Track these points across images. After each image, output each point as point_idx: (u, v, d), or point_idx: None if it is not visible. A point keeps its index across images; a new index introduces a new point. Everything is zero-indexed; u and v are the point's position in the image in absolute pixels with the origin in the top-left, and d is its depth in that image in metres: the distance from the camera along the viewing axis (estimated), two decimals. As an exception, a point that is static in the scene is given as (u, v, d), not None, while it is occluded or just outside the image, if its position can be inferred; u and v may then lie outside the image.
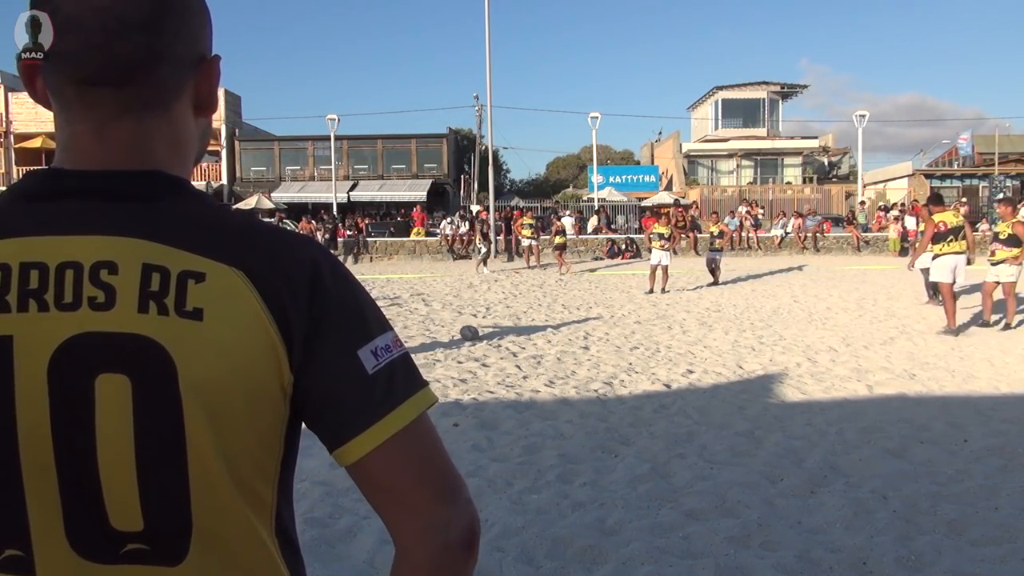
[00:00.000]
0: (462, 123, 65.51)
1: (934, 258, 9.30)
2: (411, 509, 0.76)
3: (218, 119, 34.80)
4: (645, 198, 34.33)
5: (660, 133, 46.76)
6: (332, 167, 34.32)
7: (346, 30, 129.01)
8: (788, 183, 38.99)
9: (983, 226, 24.81)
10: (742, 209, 27.14)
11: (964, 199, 29.99)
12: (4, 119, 35.61)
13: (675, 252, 16.93)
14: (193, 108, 0.82)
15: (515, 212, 26.82)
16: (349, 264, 22.40)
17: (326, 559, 3.23)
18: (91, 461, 0.71)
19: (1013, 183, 33.49)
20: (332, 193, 33.38)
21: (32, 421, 0.71)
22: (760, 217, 27.84)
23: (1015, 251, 9.20)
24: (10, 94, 35.10)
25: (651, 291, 13.90)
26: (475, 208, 28.68)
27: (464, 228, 24.90)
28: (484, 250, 20.47)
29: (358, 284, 0.82)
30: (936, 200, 9.89)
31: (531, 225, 21.48)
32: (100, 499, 0.72)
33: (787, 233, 25.39)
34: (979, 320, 9.52)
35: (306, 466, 4.18)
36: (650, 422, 5.33)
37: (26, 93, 0.81)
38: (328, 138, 34.18)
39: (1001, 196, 19.86)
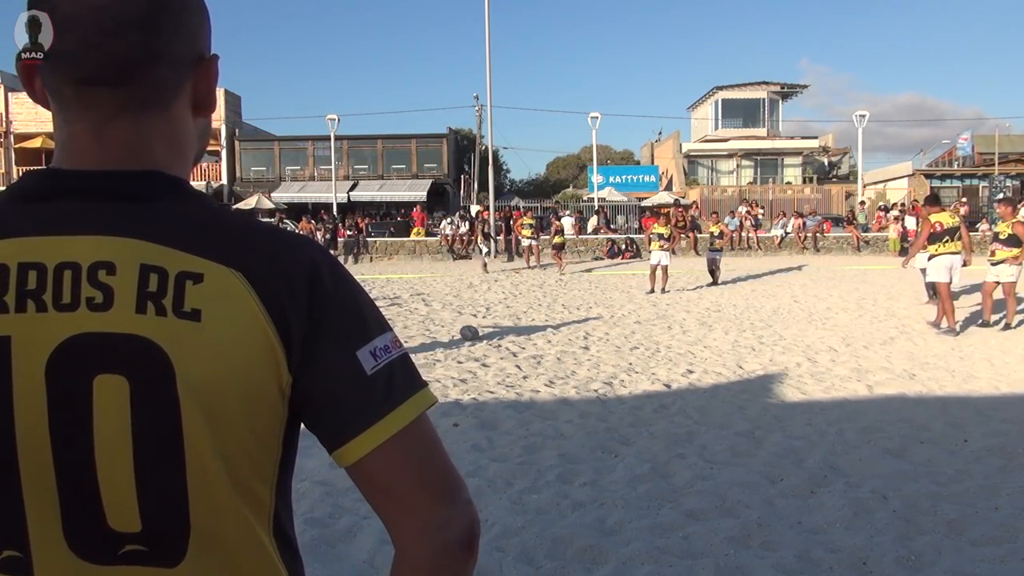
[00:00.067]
0: (462, 123, 65.57)
1: (930, 258, 9.32)
2: (411, 509, 0.76)
3: (218, 119, 34.79)
4: (645, 198, 34.34)
5: (660, 133, 46.82)
6: (332, 167, 34.32)
7: (346, 30, 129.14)
8: (788, 183, 39.00)
9: (983, 226, 24.82)
10: (742, 209, 27.13)
11: (964, 199, 30.01)
12: (4, 119, 35.61)
13: (674, 252, 16.92)
14: (192, 108, 0.82)
15: (515, 212, 26.81)
16: (349, 264, 22.43)
17: (326, 559, 3.23)
18: (89, 462, 0.71)
19: (1013, 183, 33.49)
20: (332, 193, 33.38)
21: (30, 422, 0.71)
22: (760, 217, 27.84)
23: (1015, 251, 9.20)
24: (10, 94, 35.11)
25: (651, 291, 13.91)
26: (475, 208, 28.67)
27: (464, 228, 24.91)
28: (485, 250, 20.50)
29: (357, 285, 0.81)
30: (932, 201, 9.90)
31: (531, 225, 21.49)
32: (98, 500, 0.72)
33: (787, 233, 25.39)
34: (979, 320, 9.53)
35: (306, 466, 4.18)
36: (650, 422, 5.33)
37: (26, 93, 0.81)
38: (328, 138, 34.18)
39: (1001, 196, 19.86)
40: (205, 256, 0.73)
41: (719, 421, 5.33)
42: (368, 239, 26.01)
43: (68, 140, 0.77)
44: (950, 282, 9.04)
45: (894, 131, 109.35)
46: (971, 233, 23.52)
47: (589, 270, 19.88)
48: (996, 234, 9.70)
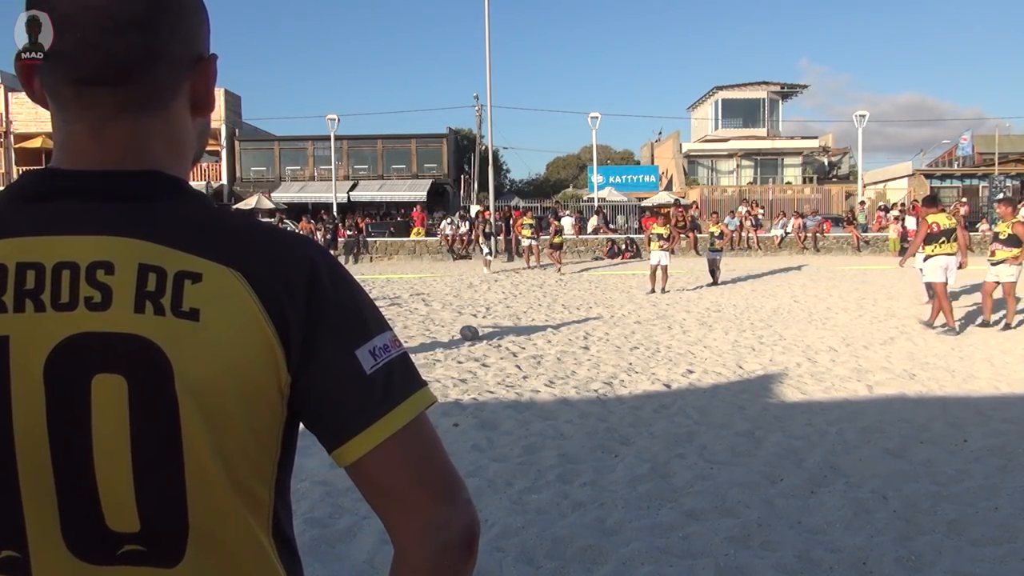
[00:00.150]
0: (462, 123, 65.58)
1: (926, 259, 9.34)
2: (410, 509, 0.76)
3: (218, 119, 34.81)
4: (645, 198, 34.33)
5: (660, 133, 46.82)
6: (332, 167, 34.32)
7: (346, 30, 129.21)
8: (788, 183, 39.00)
9: (983, 226, 24.82)
10: (742, 209, 27.13)
11: (964, 199, 30.01)
12: (4, 119, 35.62)
13: (674, 252, 16.92)
14: (191, 107, 0.82)
15: (515, 212, 26.80)
16: (349, 264, 22.44)
17: (326, 559, 3.22)
18: (87, 462, 0.71)
19: (1013, 183, 33.50)
20: (332, 193, 33.39)
21: (28, 421, 0.71)
22: (760, 217, 27.83)
23: (1015, 251, 9.20)
24: (10, 94, 35.11)
25: (652, 291, 13.91)
26: (475, 208, 28.66)
27: (464, 228, 24.91)
28: (486, 250, 20.53)
29: (357, 284, 0.81)
30: (930, 202, 9.95)
31: (531, 225, 21.50)
32: (96, 500, 0.72)
33: (787, 233, 25.39)
34: (979, 320, 9.53)
35: (306, 466, 4.18)
36: (650, 422, 5.33)
37: (25, 93, 0.81)
38: (328, 138, 34.18)
39: (1001, 196, 19.85)
40: (204, 256, 0.73)
41: (719, 421, 5.33)
42: (368, 239, 26.01)
43: (67, 140, 0.77)
44: (946, 282, 9.07)
45: (894, 131, 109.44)
46: (971, 233, 23.65)
47: (586, 270, 19.88)
48: (996, 234, 9.71)
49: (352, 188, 35.95)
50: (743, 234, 25.04)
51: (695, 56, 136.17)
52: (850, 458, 4.49)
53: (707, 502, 3.82)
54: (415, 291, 14.77)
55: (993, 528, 3.48)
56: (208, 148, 0.89)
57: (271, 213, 30.07)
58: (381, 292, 14.56)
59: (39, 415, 0.71)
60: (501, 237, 24.25)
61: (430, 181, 36.53)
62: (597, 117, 33.96)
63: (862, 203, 29.58)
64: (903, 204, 28.54)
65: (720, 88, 40.77)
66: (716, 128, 40.74)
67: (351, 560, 3.23)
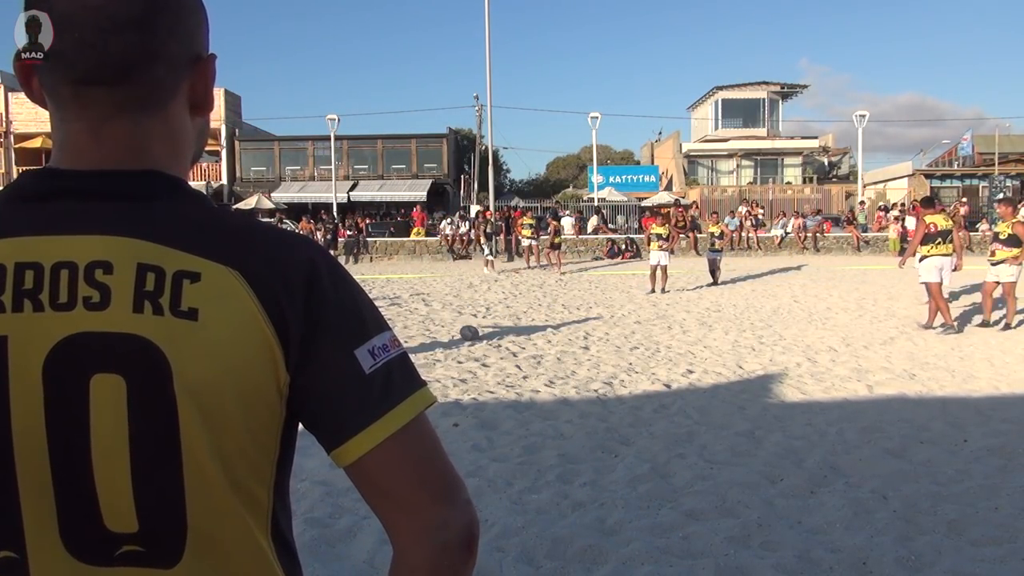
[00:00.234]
0: (462, 123, 65.54)
1: (921, 259, 9.37)
2: (409, 510, 0.76)
3: (218, 119, 34.82)
4: (645, 198, 34.33)
5: (660, 133, 46.82)
6: (332, 167, 34.32)
7: (346, 30, 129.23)
8: (788, 183, 38.99)
9: (983, 226, 24.82)
10: (742, 209, 27.13)
11: (964, 199, 30.00)
12: (4, 119, 35.62)
13: (673, 252, 16.93)
14: (190, 107, 0.82)
15: (515, 212, 26.80)
16: (349, 264, 22.44)
17: (326, 559, 3.22)
18: (86, 462, 0.71)
19: (1013, 183, 33.49)
20: (332, 193, 33.39)
21: (27, 422, 0.71)
22: (760, 217, 27.83)
23: (1015, 251, 9.21)
24: (10, 94, 35.11)
25: (652, 291, 13.92)
26: (475, 209, 28.67)
27: (464, 228, 24.90)
28: (487, 250, 20.54)
29: (356, 284, 0.81)
30: (927, 202, 10.01)
31: (531, 225, 21.49)
32: (95, 500, 0.72)
33: (787, 233, 25.40)
34: (979, 320, 9.53)
35: (306, 466, 4.18)
36: (650, 422, 5.33)
37: (24, 93, 0.81)
38: (328, 138, 34.18)
39: (1001, 196, 19.85)
40: (203, 255, 0.73)
41: (719, 421, 5.33)
42: (368, 239, 26.01)
43: (65, 140, 0.76)
44: (940, 282, 9.13)
45: (894, 131, 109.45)
46: (971, 233, 23.65)
47: (585, 269, 19.89)
48: (996, 234, 9.72)
49: (352, 188, 35.95)
50: (743, 234, 25.04)
51: (695, 56, 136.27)
52: (850, 458, 4.49)
53: (707, 502, 3.82)
54: (415, 291, 14.77)
55: (993, 528, 3.47)
56: (208, 148, 0.88)
57: (271, 213, 30.07)
58: (381, 292, 14.56)
59: (37, 415, 0.71)
60: (501, 237, 24.26)
61: (430, 181, 36.53)
62: (597, 117, 33.98)
63: (862, 203, 29.58)
64: (903, 204, 28.53)
65: (720, 88, 40.77)
66: (716, 128, 40.74)
67: (351, 560, 3.23)
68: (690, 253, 23.60)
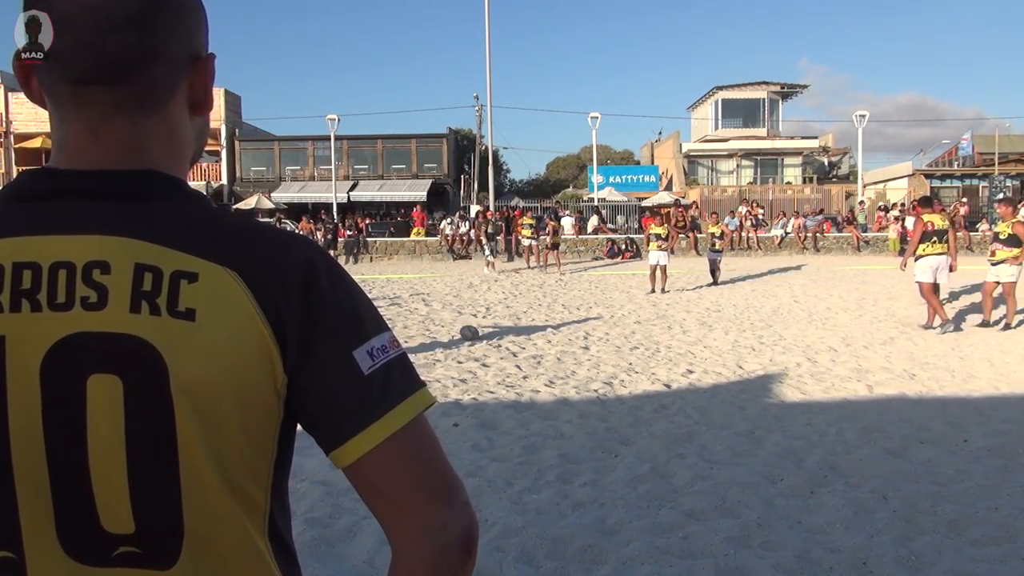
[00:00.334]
0: (462, 123, 65.49)
1: (917, 259, 9.40)
2: (407, 511, 0.75)
3: (218, 119, 34.81)
4: (645, 198, 34.32)
5: (660, 133, 46.78)
6: (332, 167, 34.31)
7: (346, 30, 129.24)
8: (788, 183, 38.98)
9: (983, 226, 24.82)
10: (742, 209, 27.13)
11: (964, 199, 30.00)
12: (4, 119, 35.61)
13: (673, 252, 16.94)
14: (189, 107, 0.82)
15: (515, 212, 26.80)
16: (349, 264, 22.43)
17: (326, 559, 3.22)
18: (82, 462, 0.71)
19: (1013, 183, 33.48)
20: (332, 193, 33.37)
21: (24, 422, 0.71)
22: (761, 216, 27.82)
23: (1015, 251, 9.22)
24: (10, 94, 35.10)
25: (652, 291, 13.92)
26: (475, 209, 28.67)
27: (464, 228, 24.90)
28: (488, 251, 20.56)
29: (355, 284, 0.81)
30: (925, 202, 10.06)
31: (531, 225, 21.49)
32: (91, 501, 0.72)
33: (787, 233, 25.40)
34: (979, 320, 9.53)
35: (306, 466, 4.18)
36: (650, 422, 5.33)
37: (23, 93, 0.81)
38: (328, 138, 34.17)
39: (1001, 196, 19.86)
40: (200, 255, 0.73)
41: (719, 421, 5.33)
42: (368, 239, 26.00)
43: (65, 139, 0.76)
44: (934, 282, 9.22)
45: (894, 131, 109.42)
46: (971, 233, 23.65)
47: (585, 269, 19.88)
48: (996, 234, 9.72)
49: (352, 188, 35.94)
50: (743, 234, 25.04)
51: (695, 56, 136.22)
52: (850, 458, 4.49)
53: (707, 502, 3.81)
54: (415, 291, 14.77)
55: (993, 528, 3.47)
56: (208, 148, 0.88)
57: (271, 213, 30.06)
58: (381, 292, 14.56)
59: (35, 416, 0.71)
60: (501, 237, 24.26)
61: (430, 181, 36.53)
62: (597, 117, 33.96)
63: (862, 203, 29.58)
64: (903, 204, 28.52)
65: (720, 88, 40.75)
66: (716, 128, 40.72)
67: (351, 560, 3.23)
68: (690, 253, 23.59)
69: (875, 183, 39.82)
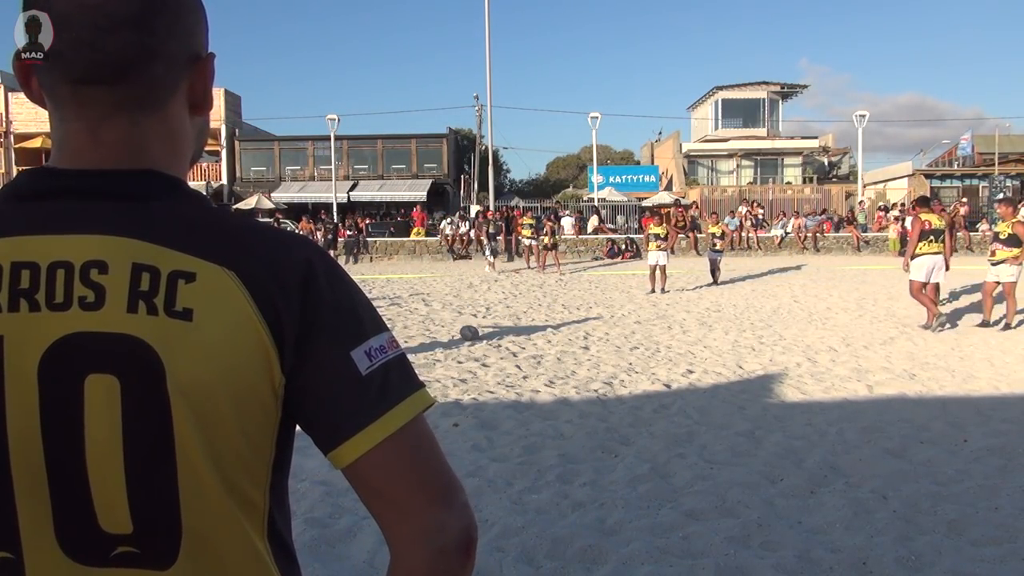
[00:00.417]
0: (462, 123, 65.50)
1: (912, 258, 9.43)
2: (406, 513, 0.75)
3: (218, 119, 34.81)
4: (645, 198, 34.31)
5: (660, 133, 46.77)
6: (332, 167, 34.31)
7: (346, 30, 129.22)
8: (788, 183, 38.97)
9: (983, 226, 24.81)
10: (742, 209, 27.13)
11: (964, 199, 30.00)
12: (4, 119, 35.60)
13: (673, 251, 16.94)
14: (189, 106, 0.82)
15: (515, 212, 26.80)
16: (349, 264, 22.43)
17: (326, 559, 3.22)
18: (80, 463, 0.71)
19: (1013, 183, 33.49)
20: (332, 193, 33.37)
21: (22, 422, 0.71)
22: (761, 216, 27.82)
23: (1015, 251, 9.22)
24: (10, 94, 35.09)
25: (652, 291, 13.92)
26: (475, 209, 28.67)
27: (464, 228, 24.89)
28: (490, 251, 20.58)
29: (354, 284, 0.81)
30: (923, 202, 10.09)
31: (531, 225, 21.50)
32: (89, 501, 0.72)
33: (787, 233, 25.40)
34: (979, 320, 9.53)
35: (306, 466, 4.18)
36: (650, 422, 5.33)
37: (23, 93, 0.81)
38: (328, 138, 34.17)
39: (1001, 196, 19.85)
40: (198, 255, 0.73)
41: (719, 421, 5.33)
42: (368, 239, 26.00)
43: (64, 139, 0.76)
44: (926, 282, 9.30)
45: (894, 131, 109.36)
46: (971, 233, 23.64)
47: (585, 269, 19.88)
48: (996, 234, 9.73)
49: (352, 188, 35.94)
50: (743, 234, 25.04)
51: (695, 56, 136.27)
52: (850, 458, 4.49)
53: (707, 502, 3.81)
54: (415, 291, 14.77)
55: (993, 528, 3.47)
56: (208, 148, 0.88)
57: (271, 213, 30.05)
58: (381, 292, 14.56)
59: (33, 416, 0.71)
60: (501, 237, 24.26)
61: (430, 181, 36.52)
62: (597, 117, 33.94)
63: (861, 203, 29.58)
64: (903, 204, 28.52)
65: (720, 88, 40.74)
66: (716, 128, 40.72)
67: (351, 560, 3.23)
68: (690, 253, 23.59)
69: (875, 183, 39.81)
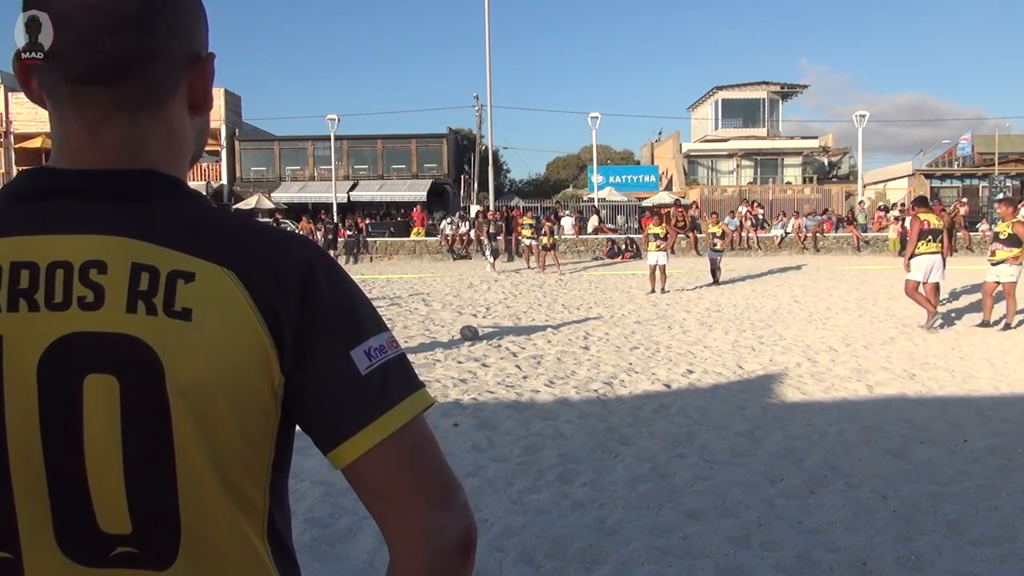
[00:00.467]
0: (462, 123, 65.46)
1: (910, 258, 9.45)
2: (405, 513, 0.75)
3: (218, 119, 34.81)
4: (645, 198, 34.31)
5: (660, 133, 46.76)
6: (332, 167, 34.30)
7: (346, 30, 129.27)
8: (788, 183, 38.96)
9: (983, 226, 24.81)
10: (742, 209, 27.13)
11: (964, 199, 30.00)
12: (4, 119, 35.60)
13: (673, 251, 16.95)
14: (188, 106, 0.82)
15: (515, 212, 26.79)
16: (349, 264, 22.43)
17: (326, 559, 3.22)
18: (79, 463, 0.71)
19: (1013, 183, 33.49)
20: (332, 193, 33.37)
21: (21, 422, 0.71)
22: (761, 216, 27.82)
23: (1015, 251, 9.22)
24: (10, 94, 35.09)
25: (652, 291, 13.93)
26: (475, 209, 28.67)
27: (464, 228, 24.89)
28: (490, 251, 20.59)
29: (353, 284, 0.81)
30: (921, 202, 10.10)
31: (531, 225, 21.50)
32: (88, 501, 0.72)
33: (787, 233, 25.40)
34: (979, 320, 9.53)
35: (306, 466, 4.18)
36: (650, 422, 5.33)
37: (23, 93, 0.81)
38: (328, 138, 34.16)
39: (1001, 196, 19.86)
40: (198, 255, 0.73)
41: (719, 421, 5.32)
42: (368, 239, 26.00)
43: (64, 139, 0.76)
44: (924, 282, 9.33)
45: (894, 131, 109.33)
46: (971, 233, 23.64)
47: (585, 269, 19.88)
48: (996, 234, 9.74)
49: (352, 188, 35.93)
50: (743, 234, 25.04)
51: (695, 56, 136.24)
52: (850, 458, 4.49)
53: (707, 502, 3.81)
54: (415, 291, 14.77)
55: (993, 528, 3.47)
56: (208, 148, 0.88)
57: (271, 213, 30.05)
58: (381, 292, 14.56)
59: (32, 416, 0.71)
60: (501, 237, 24.25)
61: (430, 181, 36.51)
62: (597, 117, 33.92)
63: (861, 203, 29.58)
64: (903, 204, 28.52)
65: (720, 88, 40.74)
66: (716, 128, 40.71)
67: (351, 560, 3.23)
68: (690, 253, 23.59)
69: (875, 183, 39.82)
